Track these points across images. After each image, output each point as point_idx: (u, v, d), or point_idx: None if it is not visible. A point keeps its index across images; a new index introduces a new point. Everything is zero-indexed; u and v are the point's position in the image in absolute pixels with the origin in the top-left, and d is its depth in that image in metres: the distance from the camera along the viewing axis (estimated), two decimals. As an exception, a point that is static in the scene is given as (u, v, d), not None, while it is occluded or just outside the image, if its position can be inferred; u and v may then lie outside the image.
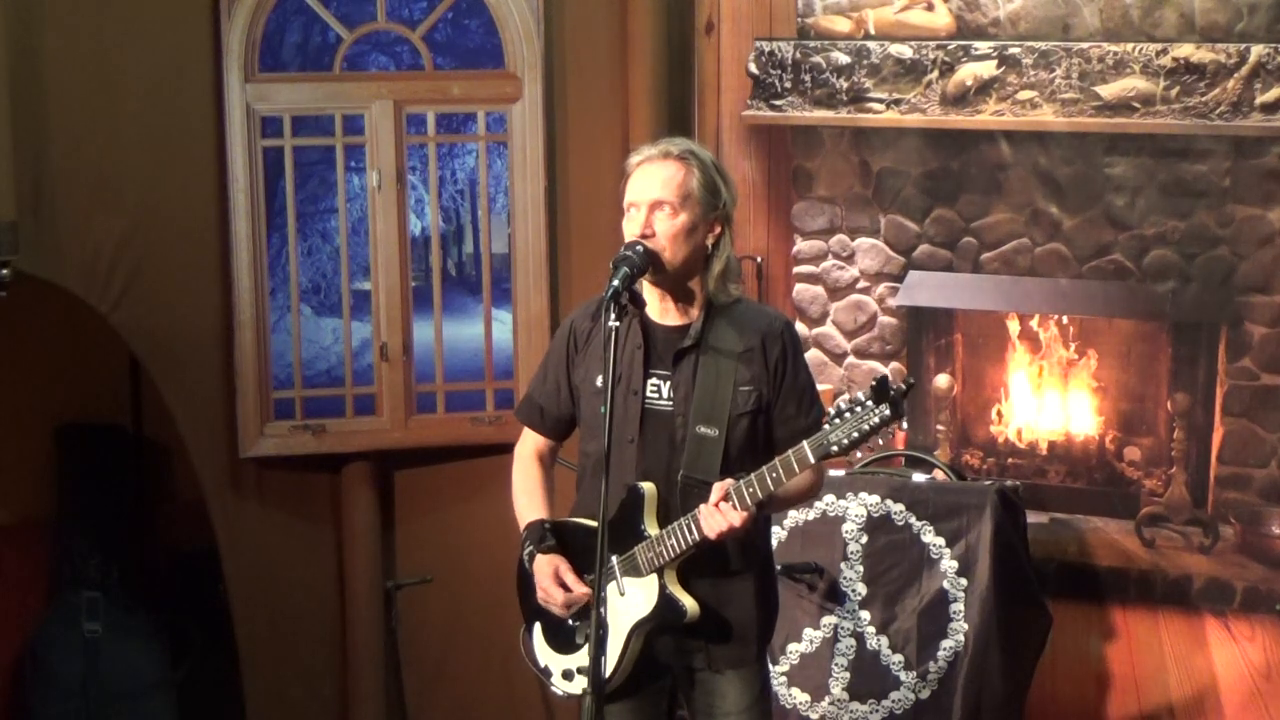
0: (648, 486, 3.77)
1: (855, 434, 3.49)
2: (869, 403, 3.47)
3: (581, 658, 3.80)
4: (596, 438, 3.74)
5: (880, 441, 3.58)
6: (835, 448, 3.51)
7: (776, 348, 3.79)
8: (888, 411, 3.45)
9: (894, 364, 5.61)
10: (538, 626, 3.97)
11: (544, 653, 3.95)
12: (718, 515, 3.62)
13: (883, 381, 3.46)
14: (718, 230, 3.80)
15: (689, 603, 3.75)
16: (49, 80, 5.21)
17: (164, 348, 5.49)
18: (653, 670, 3.87)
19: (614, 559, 3.79)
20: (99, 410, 6.04)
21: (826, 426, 3.53)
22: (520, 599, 4.02)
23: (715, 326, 3.79)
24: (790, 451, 3.58)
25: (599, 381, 3.76)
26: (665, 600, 3.74)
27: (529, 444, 4.08)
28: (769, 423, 3.80)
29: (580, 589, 3.81)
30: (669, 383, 3.80)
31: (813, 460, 3.55)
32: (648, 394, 3.81)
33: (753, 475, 3.62)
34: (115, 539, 5.93)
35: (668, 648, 3.85)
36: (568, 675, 3.89)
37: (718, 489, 3.64)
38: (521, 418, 4.09)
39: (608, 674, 3.77)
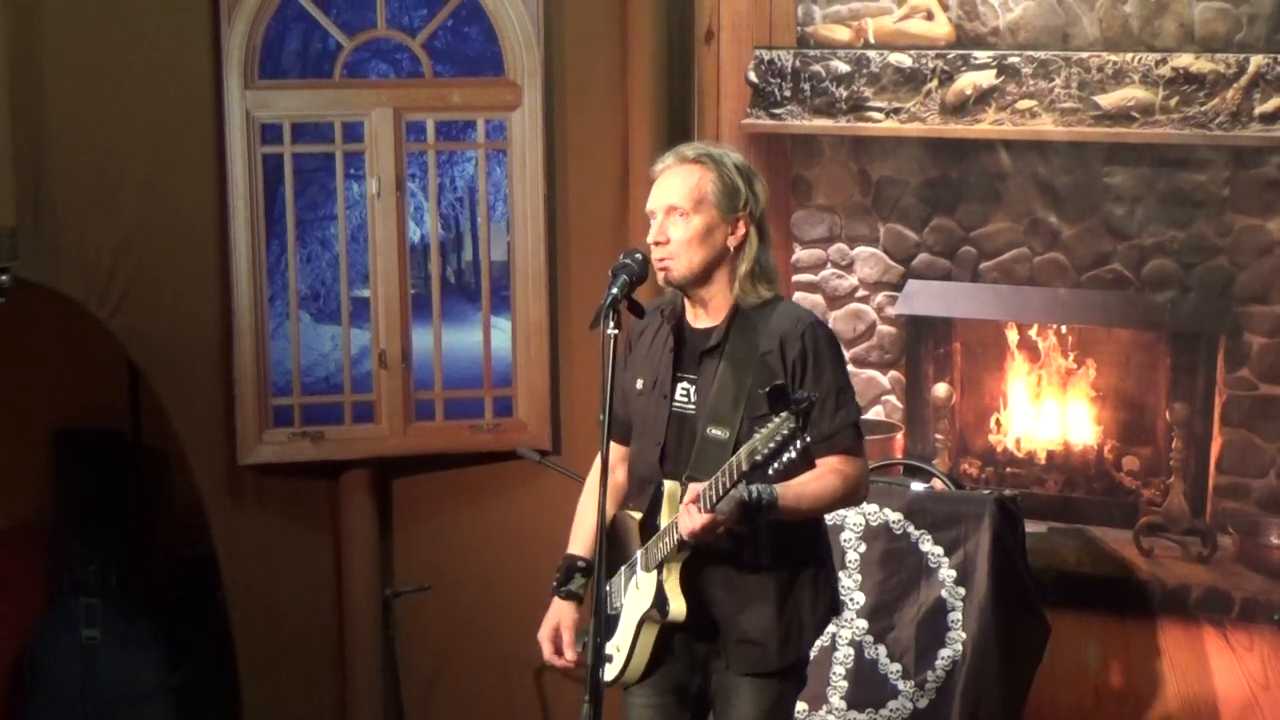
0: (670, 484, 3.77)
1: (772, 444, 3.41)
2: (779, 414, 3.42)
3: (609, 646, 3.84)
4: (637, 438, 3.87)
5: (792, 455, 3.49)
6: (759, 456, 3.43)
7: (795, 349, 3.72)
8: (792, 423, 3.38)
9: (893, 373, 5.60)
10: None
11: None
12: (685, 516, 3.61)
13: (774, 390, 3.41)
14: (741, 231, 3.76)
15: (676, 603, 3.73)
16: (49, 86, 5.22)
17: (163, 354, 5.49)
18: (678, 667, 3.87)
19: (638, 554, 3.82)
20: (98, 416, 6.05)
21: (755, 435, 3.47)
22: None
23: (740, 329, 3.77)
24: (732, 457, 3.53)
25: (639, 385, 3.83)
26: (659, 596, 3.75)
27: (616, 456, 3.96)
28: None
29: (562, 662, 3.90)
30: (694, 386, 3.80)
31: (745, 467, 3.47)
32: (676, 397, 3.81)
33: (715, 476, 3.57)
34: (113, 545, 5.93)
35: (697, 647, 3.85)
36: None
37: (692, 489, 3.62)
38: (613, 437, 3.87)
39: (621, 666, 3.81)
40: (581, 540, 4.01)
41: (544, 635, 3.92)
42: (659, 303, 3.94)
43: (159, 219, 5.42)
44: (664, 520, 3.76)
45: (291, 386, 5.60)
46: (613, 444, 3.95)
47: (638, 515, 3.87)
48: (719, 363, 3.77)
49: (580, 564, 3.96)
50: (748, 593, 3.80)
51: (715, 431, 3.73)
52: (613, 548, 3.90)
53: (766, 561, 3.80)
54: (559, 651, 3.90)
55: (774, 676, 3.85)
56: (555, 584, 3.96)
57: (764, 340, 3.75)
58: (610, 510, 3.90)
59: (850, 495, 3.78)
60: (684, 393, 3.82)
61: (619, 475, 4.01)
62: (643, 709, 3.91)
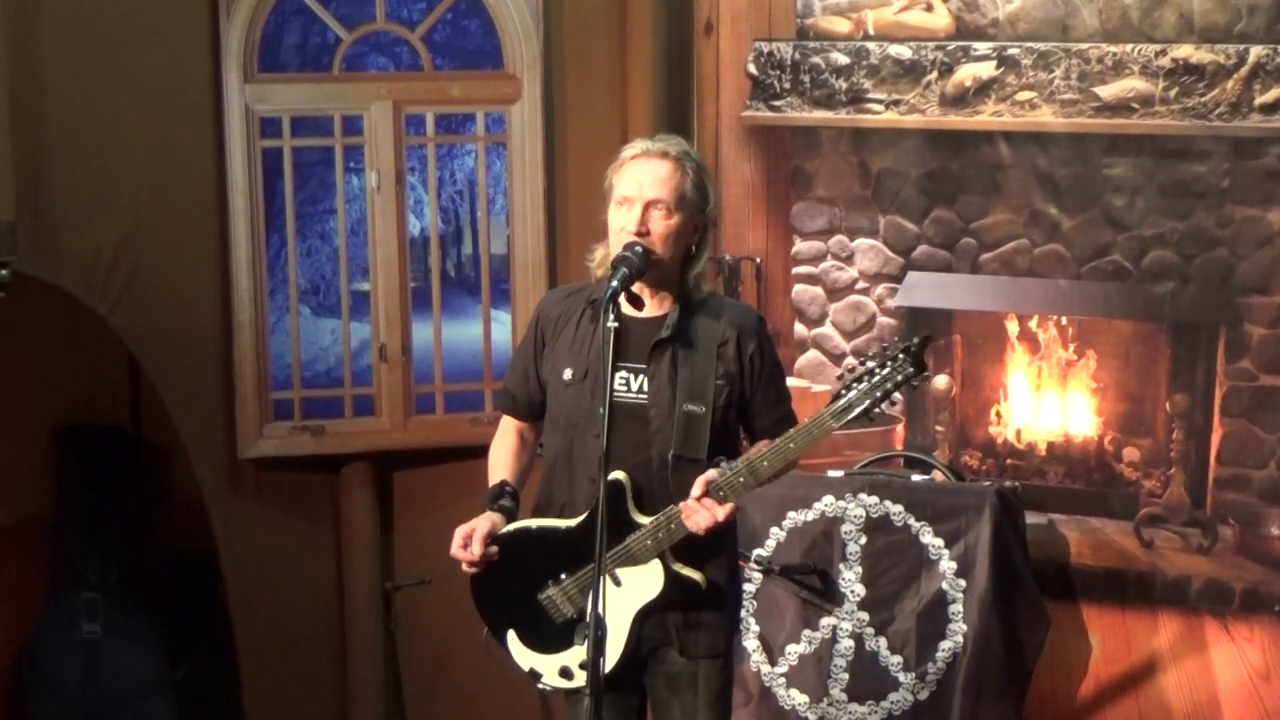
0: (624, 477, 3.78)
1: (879, 393, 3.62)
2: (890, 362, 3.60)
3: (579, 654, 3.81)
4: (559, 430, 3.90)
5: (885, 408, 3.64)
6: (858, 410, 3.63)
7: (752, 343, 3.85)
8: (911, 368, 3.61)
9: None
10: (511, 634, 3.97)
11: (525, 656, 3.95)
12: (702, 511, 3.67)
13: (917, 342, 3.63)
14: (699, 233, 3.85)
15: (699, 576, 3.79)
16: (48, 81, 5.22)
17: (163, 348, 5.50)
18: (633, 668, 3.88)
19: (600, 553, 3.77)
20: (98, 411, 6.05)
21: (845, 393, 3.63)
22: (480, 611, 4.03)
23: (691, 319, 3.84)
24: (809, 422, 3.67)
25: (566, 375, 3.87)
26: (674, 581, 3.78)
27: (509, 421, 4.15)
28: (741, 414, 3.87)
29: (464, 555, 3.88)
30: (641, 376, 3.82)
31: (836, 427, 3.65)
32: (615, 387, 3.81)
33: (741, 463, 3.67)
34: (114, 540, 5.93)
35: (647, 637, 3.86)
36: (565, 673, 3.88)
37: (699, 483, 3.67)
38: (498, 405, 4.21)
39: (611, 666, 3.79)
40: (505, 469, 4.06)
41: (460, 530, 3.92)
42: (575, 288, 3.99)
43: (158, 213, 5.42)
44: (635, 515, 3.78)
45: (292, 380, 5.60)
46: (508, 419, 4.13)
47: (560, 524, 3.88)
48: (676, 351, 3.82)
49: (508, 488, 4.01)
50: (707, 576, 3.84)
51: (692, 407, 3.79)
52: (534, 557, 3.90)
53: (716, 546, 3.85)
54: (466, 546, 3.89)
55: (721, 657, 3.91)
56: (486, 502, 3.99)
57: (719, 330, 3.84)
58: (508, 467, 4.05)
59: (788, 470, 3.89)
60: (623, 382, 3.84)
61: (525, 455, 4.10)
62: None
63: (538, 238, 5.64)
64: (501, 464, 4.08)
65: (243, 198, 5.46)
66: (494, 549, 3.89)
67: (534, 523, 3.94)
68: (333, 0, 5.52)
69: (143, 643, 5.90)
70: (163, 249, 5.43)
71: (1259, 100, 5.07)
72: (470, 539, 3.88)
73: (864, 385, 3.64)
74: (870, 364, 3.66)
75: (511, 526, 3.93)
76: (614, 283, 3.66)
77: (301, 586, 5.77)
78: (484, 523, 3.92)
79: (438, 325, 5.69)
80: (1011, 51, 5.34)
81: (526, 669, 3.95)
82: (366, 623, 5.73)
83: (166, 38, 5.38)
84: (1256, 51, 5.06)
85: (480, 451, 5.62)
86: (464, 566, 3.92)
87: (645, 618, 3.82)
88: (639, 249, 3.74)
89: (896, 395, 3.65)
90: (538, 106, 5.59)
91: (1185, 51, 5.14)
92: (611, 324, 3.62)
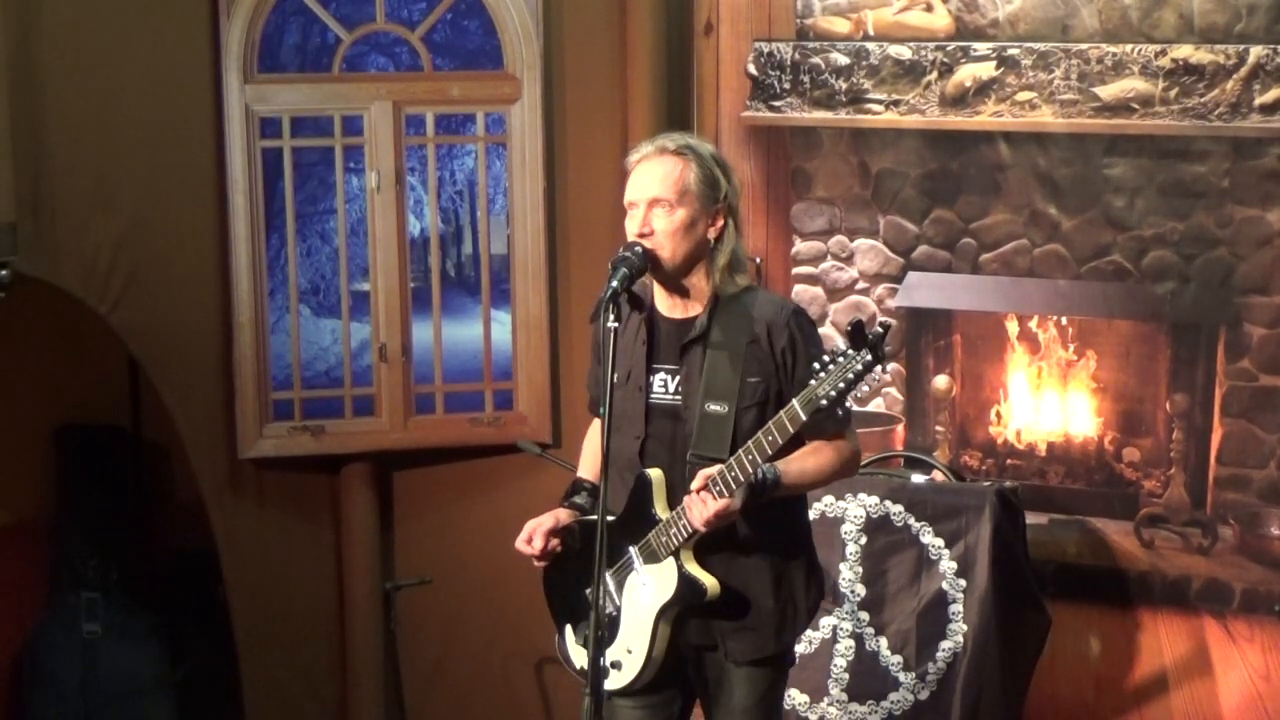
0: (654, 472, 3.78)
1: (841, 384, 3.47)
2: (849, 350, 3.48)
3: (615, 652, 3.83)
4: (613, 431, 3.79)
5: (866, 389, 3.55)
6: (824, 400, 3.49)
7: (783, 337, 3.76)
8: (869, 356, 3.45)
9: (893, 365, 5.60)
10: (569, 629, 3.98)
11: (579, 654, 3.95)
12: (699, 504, 3.64)
13: (857, 326, 3.47)
14: (720, 223, 3.79)
15: (708, 580, 3.74)
16: (48, 82, 5.22)
17: (163, 348, 5.49)
18: (672, 670, 3.86)
19: (632, 550, 3.80)
20: (98, 411, 6.05)
21: (813, 381, 3.51)
22: (549, 605, 4.04)
23: (722, 318, 3.79)
24: (781, 413, 3.58)
25: (615, 377, 3.78)
26: (684, 581, 3.74)
27: (598, 421, 4.10)
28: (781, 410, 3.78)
29: (527, 549, 3.89)
30: (676, 377, 3.81)
31: (804, 417, 3.53)
32: (654, 389, 3.81)
33: (732, 459, 3.63)
34: (114, 540, 5.93)
35: (689, 641, 3.84)
36: (604, 673, 3.86)
37: (699, 477, 3.65)
38: (590, 412, 4.15)
39: (639, 667, 3.79)
40: (588, 468, 4.06)
41: (528, 524, 3.93)
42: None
43: (159, 214, 5.42)
44: (659, 510, 3.77)
45: (292, 380, 5.60)
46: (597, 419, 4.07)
47: (609, 518, 3.86)
48: (705, 351, 3.78)
49: (585, 485, 4.01)
50: (745, 579, 3.81)
51: (715, 407, 3.74)
52: (584, 554, 3.89)
53: (763, 546, 3.82)
54: (530, 540, 3.91)
55: (768, 663, 3.87)
56: (561, 498, 4.01)
57: (749, 328, 3.77)
58: (589, 472, 4.04)
59: (844, 470, 3.84)
60: (661, 384, 3.83)
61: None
62: (631, 710, 3.91)
63: (538, 238, 5.64)
64: (586, 462, 4.10)
65: (243, 198, 5.46)
66: (555, 542, 3.90)
67: (586, 519, 3.94)
68: (333, 0, 5.52)
69: (143, 642, 5.91)
70: (163, 249, 5.43)
71: (1259, 100, 5.07)
72: (534, 533, 3.90)
73: (827, 373, 3.50)
74: (832, 352, 3.54)
75: (569, 522, 3.95)
76: (613, 283, 3.65)
77: (302, 586, 5.77)
78: (548, 518, 3.92)
79: (438, 325, 5.69)
80: (1011, 52, 5.34)
81: (578, 667, 3.94)
82: (366, 622, 5.73)
83: (166, 38, 5.37)
84: (1256, 52, 5.06)
85: (479, 452, 5.69)
86: (534, 562, 3.94)
87: (675, 619, 3.79)
88: (638, 249, 3.73)
89: (869, 383, 3.50)
90: (538, 106, 5.60)
91: (1185, 52, 5.14)
92: (611, 324, 3.62)
